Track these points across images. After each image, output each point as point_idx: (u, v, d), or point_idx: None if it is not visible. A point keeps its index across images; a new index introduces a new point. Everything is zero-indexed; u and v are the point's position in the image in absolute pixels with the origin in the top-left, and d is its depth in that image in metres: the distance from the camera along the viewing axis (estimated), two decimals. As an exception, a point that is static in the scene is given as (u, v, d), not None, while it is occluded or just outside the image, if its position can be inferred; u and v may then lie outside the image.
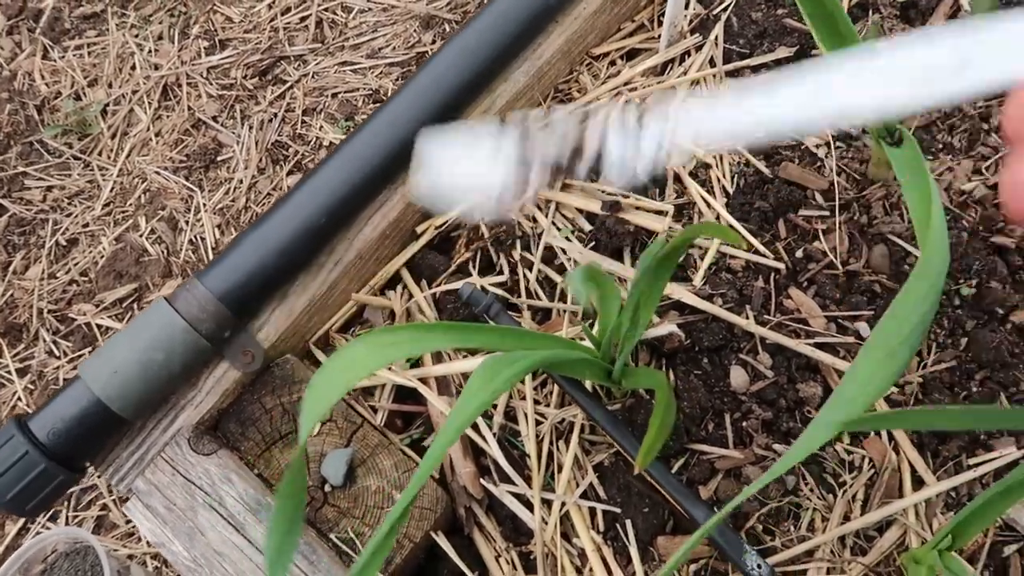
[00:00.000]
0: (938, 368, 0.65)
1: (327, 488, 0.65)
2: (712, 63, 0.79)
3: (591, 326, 0.69)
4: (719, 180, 0.75)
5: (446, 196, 0.31)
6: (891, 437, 0.63)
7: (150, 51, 1.45)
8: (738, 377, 0.66)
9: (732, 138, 0.29)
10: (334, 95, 1.37)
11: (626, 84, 0.79)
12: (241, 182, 1.31)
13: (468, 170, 0.31)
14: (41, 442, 0.60)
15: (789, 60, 0.79)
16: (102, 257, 1.29)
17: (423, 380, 0.70)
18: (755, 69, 0.79)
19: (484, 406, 0.48)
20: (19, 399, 1.20)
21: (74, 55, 1.47)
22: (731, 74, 0.79)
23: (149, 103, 1.40)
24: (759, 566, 0.57)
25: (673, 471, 0.64)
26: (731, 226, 0.73)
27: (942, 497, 0.62)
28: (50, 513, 1.14)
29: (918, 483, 0.62)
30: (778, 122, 0.27)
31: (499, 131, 0.30)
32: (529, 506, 0.65)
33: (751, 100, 0.28)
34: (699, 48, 0.80)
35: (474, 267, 0.74)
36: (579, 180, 0.30)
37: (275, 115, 1.37)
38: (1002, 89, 0.24)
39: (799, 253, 0.71)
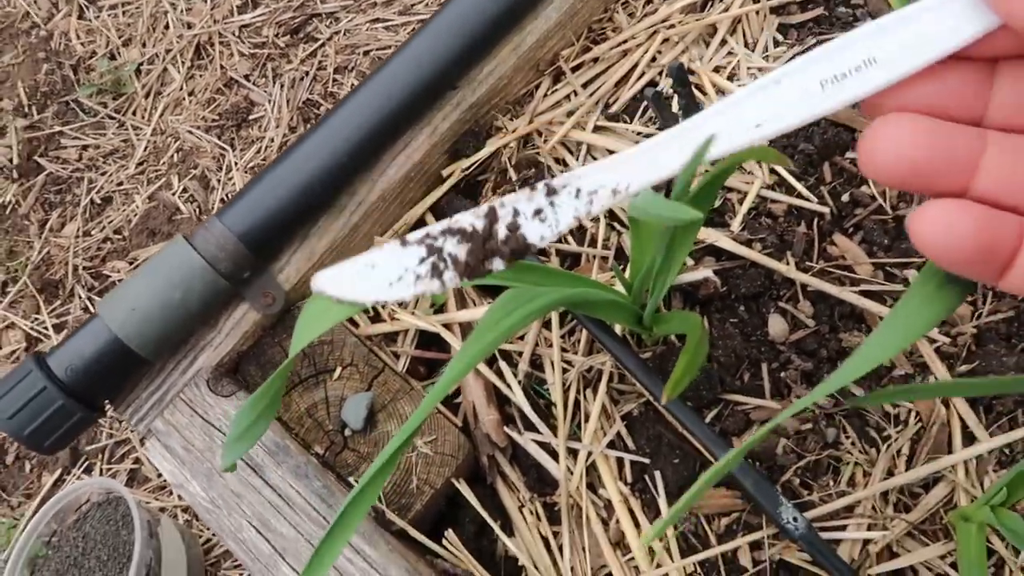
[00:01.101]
0: (994, 319, 0.61)
1: (347, 432, 0.64)
2: (755, -2, 0.75)
3: (622, 270, 0.66)
4: None
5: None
6: (941, 389, 0.59)
7: (183, 10, 1.44)
8: (777, 325, 0.63)
9: (649, 184, 0.28)
10: (366, 53, 1.35)
11: (664, 22, 0.75)
12: (272, 140, 1.30)
13: (376, 297, 0.29)
14: (59, 378, 0.59)
15: (838, -5, 0.74)
16: (135, 215, 1.29)
17: (447, 326, 0.68)
18: (802, 5, 0.75)
19: (500, 340, 0.46)
20: (55, 354, 1.21)
21: (108, 15, 1.47)
22: (775, 10, 0.75)
23: (182, 62, 1.40)
24: (795, 519, 0.54)
25: (706, 421, 0.61)
26: (773, 170, 0.69)
27: (995, 454, 0.58)
28: (85, 465, 1.15)
29: (969, 439, 0.58)
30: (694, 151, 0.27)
31: (401, 252, 0.28)
32: (554, 455, 0.63)
33: (661, 146, 0.27)
34: (742, -17, 0.76)
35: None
36: (497, 271, 0.28)
37: (307, 73, 1.35)
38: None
39: (845, 197, 0.67)
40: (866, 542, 0.55)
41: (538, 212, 0.28)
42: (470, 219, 0.28)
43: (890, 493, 0.57)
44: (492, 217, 0.28)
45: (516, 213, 0.28)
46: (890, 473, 0.57)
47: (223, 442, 0.63)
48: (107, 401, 0.64)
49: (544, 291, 0.50)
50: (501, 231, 0.28)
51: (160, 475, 1.13)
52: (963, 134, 0.24)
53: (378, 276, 0.29)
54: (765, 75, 0.26)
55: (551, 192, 0.28)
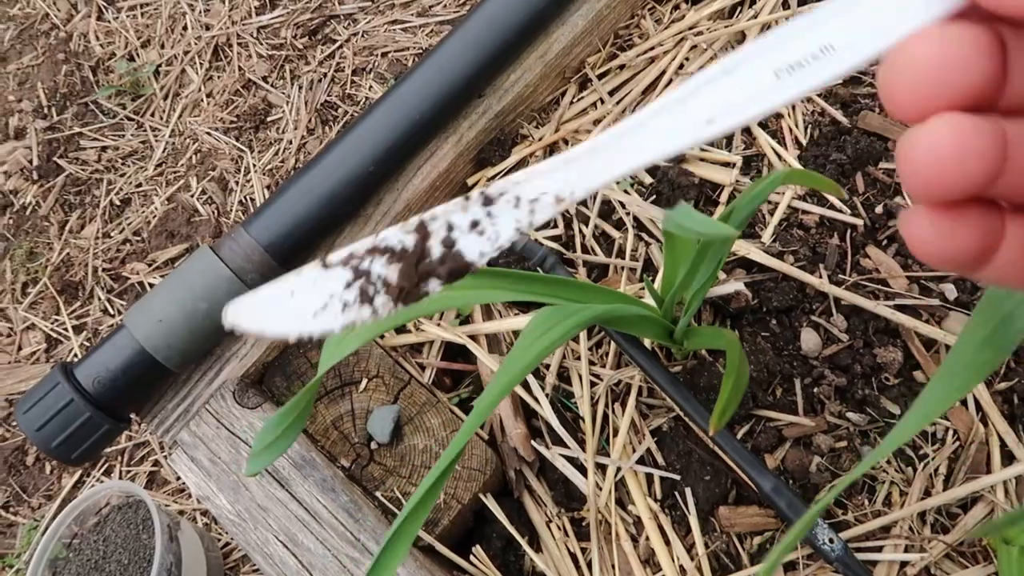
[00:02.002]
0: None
1: (373, 445, 0.63)
2: (786, 4, 0.74)
3: (651, 281, 0.65)
4: (791, 130, 0.69)
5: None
6: (979, 408, 0.58)
7: (201, 11, 1.44)
8: (809, 340, 0.62)
9: (595, 188, 0.25)
10: (384, 54, 1.34)
11: (691, 28, 0.74)
12: (291, 143, 1.30)
13: (299, 329, 0.25)
14: (86, 390, 0.59)
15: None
16: (154, 217, 1.29)
17: (473, 337, 0.67)
18: (833, 11, 0.73)
19: (538, 359, 0.45)
20: (75, 355, 1.21)
21: (127, 16, 1.47)
22: (807, 17, 0.73)
23: (200, 64, 1.40)
24: (831, 540, 0.53)
25: (737, 437, 0.60)
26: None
27: (1035, 473, 0.56)
28: (104, 467, 1.15)
29: (1008, 458, 0.57)
30: (643, 151, 0.24)
31: (323, 276, 0.25)
32: (582, 470, 0.62)
33: (606, 146, 0.25)
34: (772, -11, 0.75)
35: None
36: (435, 293, 0.24)
37: (324, 75, 1.35)
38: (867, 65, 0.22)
39: (879, 209, 0.66)
40: (903, 564, 0.54)
41: (475, 224, 0.25)
42: (398, 236, 0.25)
43: (927, 513, 0.56)
44: (423, 232, 0.25)
45: (450, 227, 0.25)
46: (927, 493, 0.56)
47: (248, 454, 0.62)
48: (133, 412, 0.64)
49: (579, 308, 0.49)
50: (435, 248, 0.25)
51: (179, 478, 1.13)
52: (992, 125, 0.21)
53: (299, 305, 0.25)
54: (713, 65, 0.24)
55: (488, 201, 0.25)
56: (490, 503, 0.62)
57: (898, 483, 0.57)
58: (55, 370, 0.60)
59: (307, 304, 0.25)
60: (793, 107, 0.70)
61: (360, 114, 0.65)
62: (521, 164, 0.72)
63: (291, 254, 0.64)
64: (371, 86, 1.32)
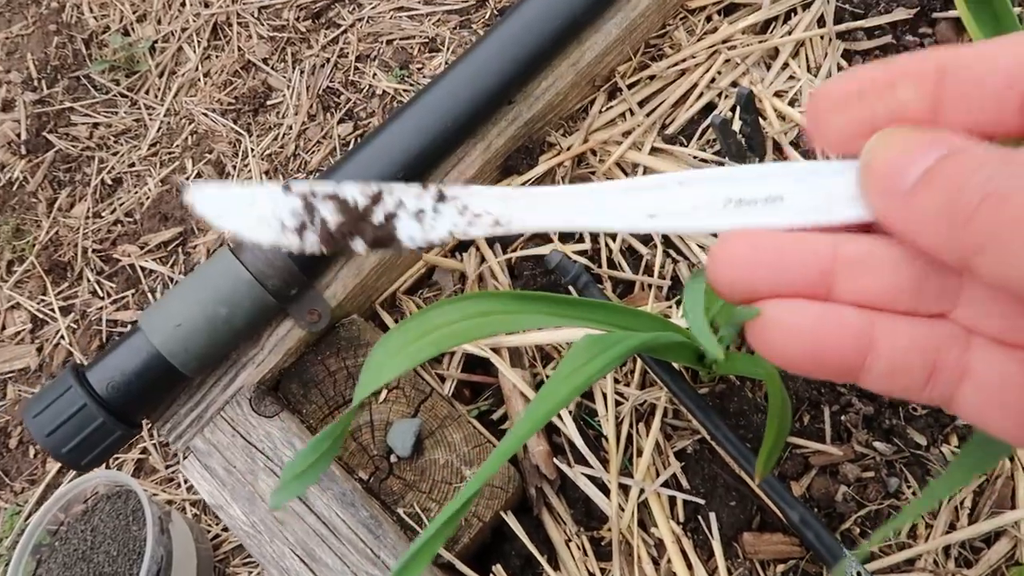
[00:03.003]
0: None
1: (393, 459, 0.62)
2: (821, 22, 0.73)
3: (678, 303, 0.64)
4: (824, 151, 0.69)
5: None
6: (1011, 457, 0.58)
7: (201, -14, 1.39)
8: (838, 367, 0.61)
9: (528, 231, 0.28)
10: (389, 42, 1.31)
11: (724, 42, 0.73)
12: (291, 128, 1.27)
13: (240, 230, 0.27)
14: (99, 395, 0.57)
15: (907, 23, 0.72)
16: (148, 198, 1.26)
17: (495, 350, 0.66)
18: (869, 32, 0.73)
19: (576, 392, 0.44)
20: (62, 337, 1.18)
21: (123, -13, 1.42)
22: (842, 36, 0.73)
23: (198, 42, 1.36)
24: (859, 574, 0.53)
25: (772, 469, 0.59)
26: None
27: (1057, 510, 0.57)
28: (91, 456, 1.13)
29: (1032, 493, 0.57)
30: (587, 216, 0.26)
31: (280, 197, 0.27)
32: (605, 490, 0.61)
33: (553, 198, 0.27)
34: (807, 5, 0.74)
35: (554, 234, 0.70)
36: (359, 253, 0.27)
37: (327, 60, 1.31)
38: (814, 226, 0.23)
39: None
40: (928, 598, 0.55)
41: (419, 213, 0.26)
42: (356, 192, 0.27)
43: (952, 547, 0.56)
44: (376, 199, 0.27)
45: (400, 204, 0.26)
46: (952, 527, 0.57)
47: (264, 464, 0.61)
48: (145, 418, 0.62)
49: (619, 338, 0.48)
50: (377, 215, 0.26)
51: (168, 466, 1.11)
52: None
53: (251, 212, 0.27)
54: (668, 174, 0.25)
55: (440, 198, 0.26)
56: (511, 521, 0.61)
57: (924, 516, 0.57)
58: (67, 373, 0.58)
59: (257, 213, 0.27)
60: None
61: (388, 117, 0.63)
62: (548, 174, 0.71)
63: (313, 260, 0.62)
64: (375, 73, 1.29)
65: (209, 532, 1.06)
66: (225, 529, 1.05)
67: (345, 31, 1.33)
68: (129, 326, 1.16)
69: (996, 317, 0.21)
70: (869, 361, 0.22)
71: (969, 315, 0.22)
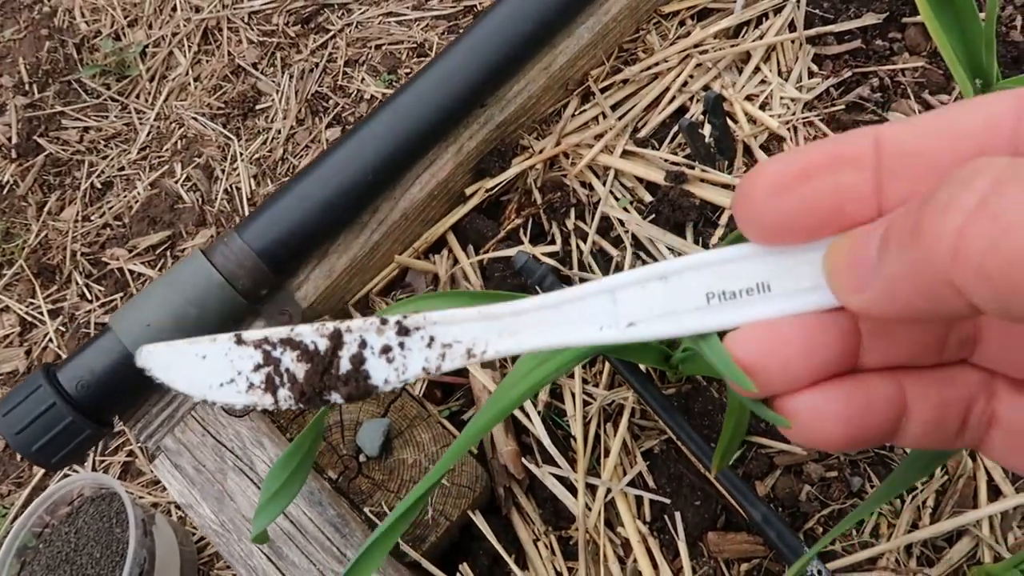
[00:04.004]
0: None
1: (362, 458, 0.62)
2: (792, 27, 0.73)
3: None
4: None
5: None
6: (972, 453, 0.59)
7: (191, -8, 1.41)
8: (803, 368, 0.62)
9: (506, 354, 0.25)
10: (377, 47, 1.32)
11: (696, 46, 0.74)
12: (279, 132, 1.28)
13: (203, 394, 0.25)
14: (68, 394, 0.58)
15: (877, 28, 0.73)
16: (136, 202, 1.26)
17: (466, 351, 0.66)
18: (839, 37, 0.73)
19: (534, 389, 0.44)
20: (50, 340, 1.19)
21: (115, -7, 1.43)
22: (812, 40, 0.73)
23: (189, 47, 1.37)
24: (819, 572, 0.53)
25: (729, 464, 0.60)
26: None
27: (1020, 510, 0.57)
28: (77, 458, 1.13)
29: (995, 493, 0.58)
30: (567, 335, 0.24)
31: (235, 351, 0.25)
32: (572, 490, 0.62)
33: (527, 315, 0.24)
34: (779, 10, 0.74)
35: (525, 234, 0.70)
36: (341, 402, 0.25)
37: (316, 65, 1.32)
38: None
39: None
40: (888, 597, 0.55)
41: (386, 350, 0.25)
42: (313, 336, 0.25)
43: (914, 546, 0.56)
44: (336, 341, 0.25)
45: (363, 343, 0.25)
46: (914, 525, 0.57)
47: (233, 463, 0.61)
48: (116, 416, 0.62)
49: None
50: (344, 361, 0.25)
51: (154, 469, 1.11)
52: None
53: (207, 370, 0.25)
54: (651, 266, 0.24)
55: (403, 332, 0.25)
56: (478, 520, 0.61)
57: (886, 515, 0.57)
58: (37, 372, 0.58)
59: (215, 372, 0.25)
60: (795, 129, 0.70)
61: (361, 120, 0.64)
62: (520, 176, 0.71)
63: (284, 260, 0.63)
64: (364, 78, 1.30)
65: (194, 535, 1.06)
66: (210, 531, 1.05)
67: (334, 36, 1.34)
68: (115, 328, 1.16)
69: (1015, 353, 0.21)
70: (904, 423, 0.21)
71: (989, 357, 0.22)
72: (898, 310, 0.19)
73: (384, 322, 0.25)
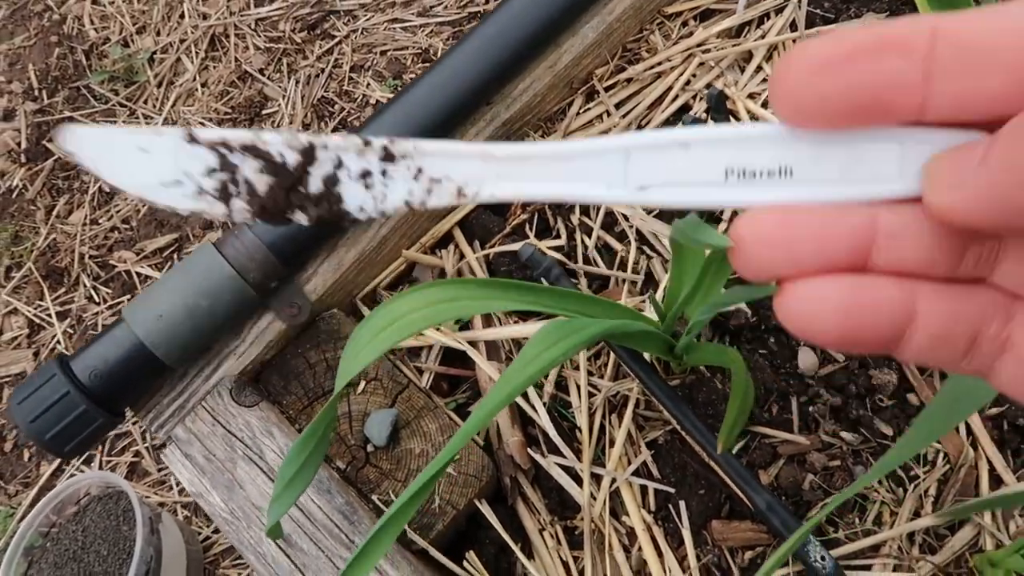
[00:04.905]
0: None
1: (369, 448, 0.63)
2: (793, 27, 0.75)
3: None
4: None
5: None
6: (969, 431, 0.59)
7: (199, 0, 1.43)
8: (806, 359, 0.63)
9: (502, 199, 0.23)
10: (383, 52, 1.34)
11: (699, 45, 0.75)
12: (286, 137, 1.29)
13: (140, 191, 0.23)
14: (82, 383, 0.59)
15: (876, 27, 0.74)
16: (143, 206, 1.28)
17: (472, 343, 0.67)
18: (838, 35, 0.75)
19: (541, 373, 0.45)
20: (58, 342, 1.20)
21: (123, 1, 1.45)
22: (812, 39, 0.74)
23: (196, 53, 1.38)
24: (823, 558, 0.53)
25: (733, 453, 0.60)
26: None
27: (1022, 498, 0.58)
28: (84, 457, 1.14)
29: (996, 482, 0.58)
30: (564, 186, 0.23)
31: (185, 149, 0.22)
32: (578, 480, 0.62)
33: (531, 160, 0.23)
34: (780, 10, 0.76)
35: (530, 230, 0.71)
36: (304, 222, 0.23)
37: (322, 70, 1.34)
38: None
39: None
40: (891, 583, 0.56)
41: (366, 175, 0.22)
42: (281, 146, 0.22)
43: (916, 534, 0.57)
44: (308, 157, 0.22)
45: (339, 163, 0.22)
46: (917, 514, 0.57)
47: (243, 452, 0.62)
48: (128, 407, 0.63)
49: (585, 324, 0.49)
50: (315, 180, 0.22)
51: (160, 470, 1.12)
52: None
53: (148, 167, 0.22)
54: (674, 129, 0.22)
55: (388, 158, 0.22)
56: (485, 509, 0.62)
57: (889, 503, 0.58)
58: (51, 362, 0.59)
59: (157, 170, 0.22)
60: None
61: (369, 117, 0.65)
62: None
63: (294, 254, 0.64)
64: (369, 84, 1.32)
65: (200, 534, 1.07)
66: (216, 531, 1.06)
67: (340, 42, 1.36)
68: (123, 329, 1.17)
69: None
70: (910, 332, 0.21)
71: (1011, 279, 0.21)
72: (986, 216, 0.18)
73: (367, 143, 0.22)
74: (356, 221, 0.23)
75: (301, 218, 0.22)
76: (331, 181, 0.22)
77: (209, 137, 0.22)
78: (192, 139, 0.22)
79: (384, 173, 0.22)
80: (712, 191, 0.22)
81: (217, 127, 0.23)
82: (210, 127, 0.23)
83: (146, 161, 0.22)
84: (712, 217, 0.70)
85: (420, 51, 1.32)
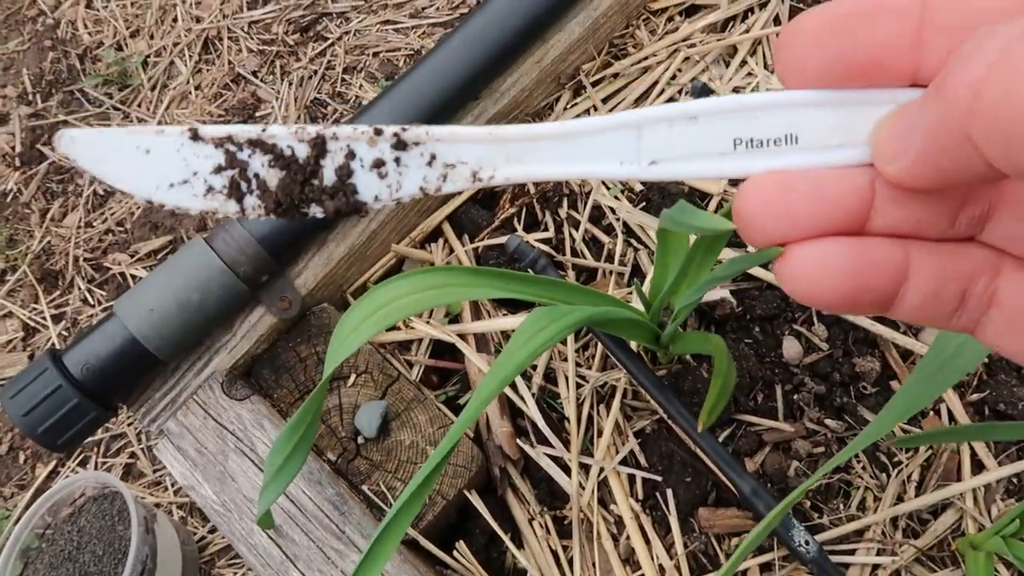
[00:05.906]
0: (1005, 348, 0.62)
1: (360, 440, 0.64)
2: (777, 21, 0.76)
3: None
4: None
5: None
6: (951, 417, 0.60)
7: (192, 3, 1.43)
8: (791, 348, 0.63)
9: (516, 180, 0.23)
10: (375, 54, 1.34)
11: (685, 40, 0.76)
12: (279, 138, 1.29)
13: (146, 193, 0.22)
14: (74, 377, 0.59)
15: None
16: (138, 208, 1.28)
17: (461, 336, 0.68)
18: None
19: (530, 359, 0.46)
20: (53, 345, 1.20)
21: (117, 5, 1.46)
22: (796, 34, 0.75)
23: (190, 56, 1.39)
24: (807, 543, 0.54)
25: (719, 441, 0.61)
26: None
27: (1003, 483, 0.58)
28: (79, 458, 1.14)
29: (978, 467, 0.59)
30: (578, 164, 0.23)
31: (190, 147, 0.22)
32: (566, 470, 0.63)
33: (544, 141, 0.23)
34: (763, 5, 0.77)
35: (519, 223, 0.72)
36: (321, 216, 0.23)
37: (315, 72, 1.35)
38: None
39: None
40: (875, 567, 0.56)
41: (379, 164, 0.22)
42: (290, 139, 0.22)
43: (899, 519, 0.58)
44: (319, 149, 0.22)
45: (351, 155, 0.22)
46: (900, 499, 0.58)
47: (234, 445, 0.63)
48: (120, 400, 0.64)
49: (570, 310, 0.50)
50: (328, 172, 0.22)
51: (156, 471, 1.12)
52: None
53: (154, 168, 0.22)
54: (680, 103, 0.22)
55: (400, 146, 0.22)
56: (474, 500, 0.63)
57: (872, 488, 0.59)
58: (44, 356, 0.60)
59: (164, 170, 0.22)
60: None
61: (356, 112, 0.66)
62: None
63: (284, 247, 0.65)
64: (362, 85, 1.32)
65: (195, 534, 1.07)
66: (212, 531, 1.06)
67: (332, 44, 1.37)
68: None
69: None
70: (903, 291, 0.21)
71: (999, 234, 0.21)
72: (929, 176, 0.19)
73: (379, 132, 0.22)
74: (372, 210, 0.23)
75: (317, 211, 0.22)
76: (345, 172, 0.22)
77: (213, 133, 0.22)
78: (195, 136, 0.22)
79: (398, 161, 0.22)
80: (722, 161, 0.22)
81: (223, 127, 0.23)
82: (214, 126, 0.23)
83: (150, 162, 0.22)
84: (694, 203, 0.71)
85: (412, 52, 1.33)
